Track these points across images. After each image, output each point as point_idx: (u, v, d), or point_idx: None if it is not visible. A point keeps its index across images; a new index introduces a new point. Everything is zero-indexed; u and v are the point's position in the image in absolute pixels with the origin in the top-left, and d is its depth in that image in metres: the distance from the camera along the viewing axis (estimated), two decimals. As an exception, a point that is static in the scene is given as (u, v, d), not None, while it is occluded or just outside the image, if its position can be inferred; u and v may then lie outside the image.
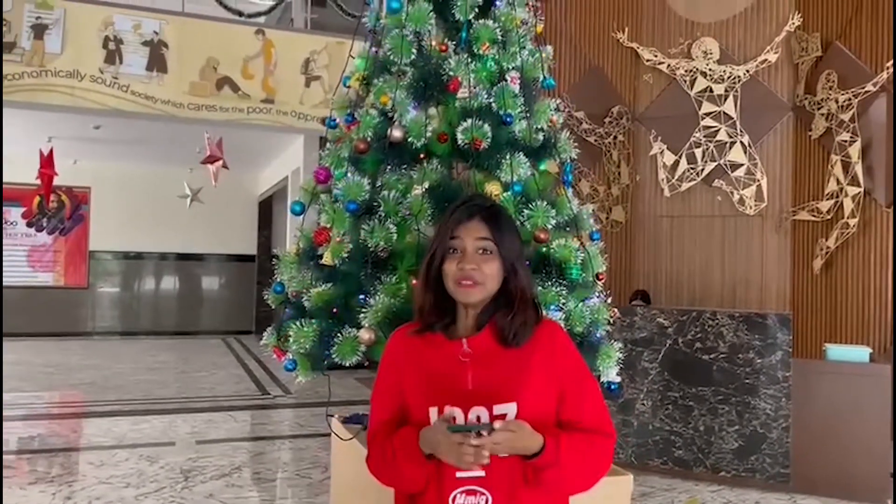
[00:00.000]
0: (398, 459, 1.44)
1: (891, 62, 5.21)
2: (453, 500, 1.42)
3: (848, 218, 5.32)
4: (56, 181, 10.52)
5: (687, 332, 4.60)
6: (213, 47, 7.34)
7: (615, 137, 5.99)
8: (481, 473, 1.40)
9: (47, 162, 10.09)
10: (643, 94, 5.98)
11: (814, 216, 5.49)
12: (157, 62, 7.13)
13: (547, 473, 1.41)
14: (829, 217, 5.42)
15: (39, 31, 6.80)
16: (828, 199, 5.42)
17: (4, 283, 12.17)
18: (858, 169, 5.30)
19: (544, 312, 1.87)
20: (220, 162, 9.47)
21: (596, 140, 6.03)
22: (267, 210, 13.53)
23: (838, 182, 5.37)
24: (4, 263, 12.26)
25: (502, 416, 1.41)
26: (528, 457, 1.39)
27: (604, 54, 6.12)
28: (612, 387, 2.53)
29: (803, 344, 5.41)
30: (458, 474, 1.41)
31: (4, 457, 4.97)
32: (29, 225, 12.46)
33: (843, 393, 4.33)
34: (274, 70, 7.56)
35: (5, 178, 11.95)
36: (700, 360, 4.56)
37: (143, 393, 7.43)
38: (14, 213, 12.37)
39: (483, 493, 1.41)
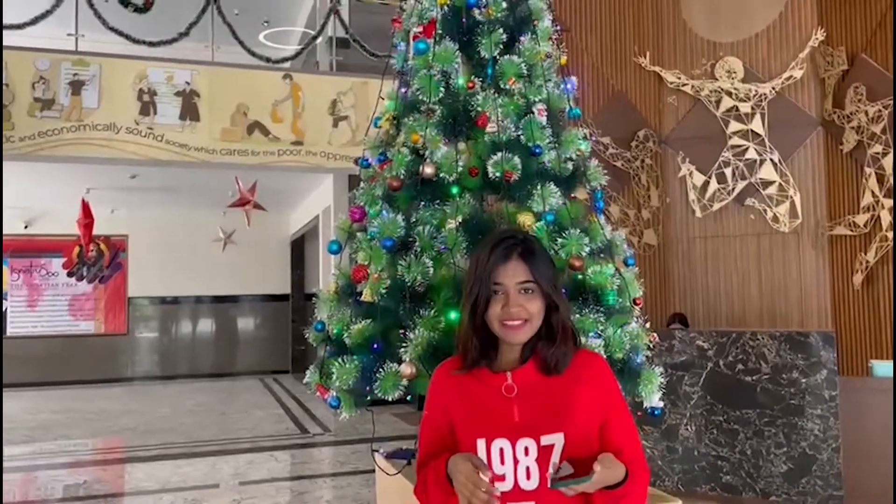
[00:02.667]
0: (429, 486, 1.48)
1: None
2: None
3: (887, 230, 5.23)
4: (94, 230, 10.82)
5: (728, 354, 4.53)
6: (243, 93, 7.55)
7: (643, 161, 5.99)
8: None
9: (86, 212, 10.40)
10: (668, 116, 5.99)
11: (851, 230, 5.40)
12: (189, 111, 7.34)
13: (621, 502, 1.43)
14: (866, 231, 5.34)
15: (77, 87, 7.06)
16: (864, 213, 5.34)
17: (48, 333, 12.46)
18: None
19: (582, 339, 1.89)
20: (251, 204, 9.65)
21: (623, 164, 6.03)
22: (299, 249, 13.69)
23: (874, 195, 5.29)
24: (47, 313, 12.57)
25: (550, 447, 1.43)
26: (610, 486, 1.40)
27: (627, 79, 6.14)
28: (655, 412, 2.51)
29: (847, 361, 5.29)
30: (509, 510, 1.42)
31: (53, 504, 5.05)
32: (70, 275, 12.75)
33: (892, 410, 4.21)
34: (302, 112, 7.73)
35: (46, 231, 12.36)
36: (743, 381, 4.47)
37: (184, 436, 7.50)
38: (55, 264, 12.69)
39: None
